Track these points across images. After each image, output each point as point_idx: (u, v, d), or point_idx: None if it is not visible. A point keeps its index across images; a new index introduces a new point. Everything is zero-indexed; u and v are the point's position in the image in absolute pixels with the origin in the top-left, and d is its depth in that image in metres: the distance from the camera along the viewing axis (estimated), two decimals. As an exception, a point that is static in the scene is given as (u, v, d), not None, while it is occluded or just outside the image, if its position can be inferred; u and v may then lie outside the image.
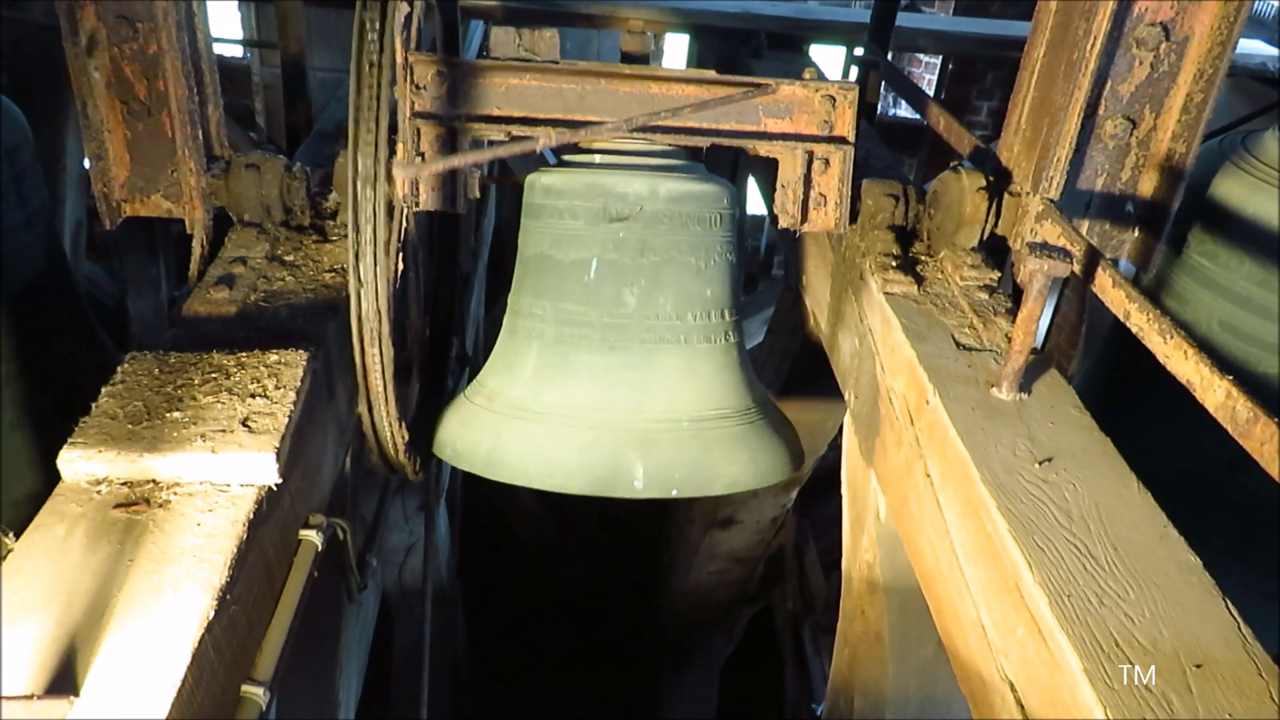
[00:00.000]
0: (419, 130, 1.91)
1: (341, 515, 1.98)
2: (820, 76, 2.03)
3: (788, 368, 3.56)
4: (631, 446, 2.01)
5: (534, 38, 1.88)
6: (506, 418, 2.09)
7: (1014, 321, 1.70)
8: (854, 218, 2.20)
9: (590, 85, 1.95)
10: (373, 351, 1.84)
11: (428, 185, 1.99)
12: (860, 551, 2.27)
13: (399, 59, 1.69)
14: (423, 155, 1.95)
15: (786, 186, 2.11)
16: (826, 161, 2.07)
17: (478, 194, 2.10)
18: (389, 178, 1.72)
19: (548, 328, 2.10)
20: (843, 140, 2.05)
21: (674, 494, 2.04)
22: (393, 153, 1.80)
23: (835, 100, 2.01)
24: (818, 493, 4.93)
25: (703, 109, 1.95)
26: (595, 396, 2.05)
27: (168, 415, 1.60)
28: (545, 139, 1.79)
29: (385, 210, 1.73)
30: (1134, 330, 1.59)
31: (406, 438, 2.04)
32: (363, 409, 1.94)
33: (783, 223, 2.14)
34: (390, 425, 1.97)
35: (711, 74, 2.00)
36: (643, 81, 1.97)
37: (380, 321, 1.80)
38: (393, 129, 1.80)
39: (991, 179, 2.11)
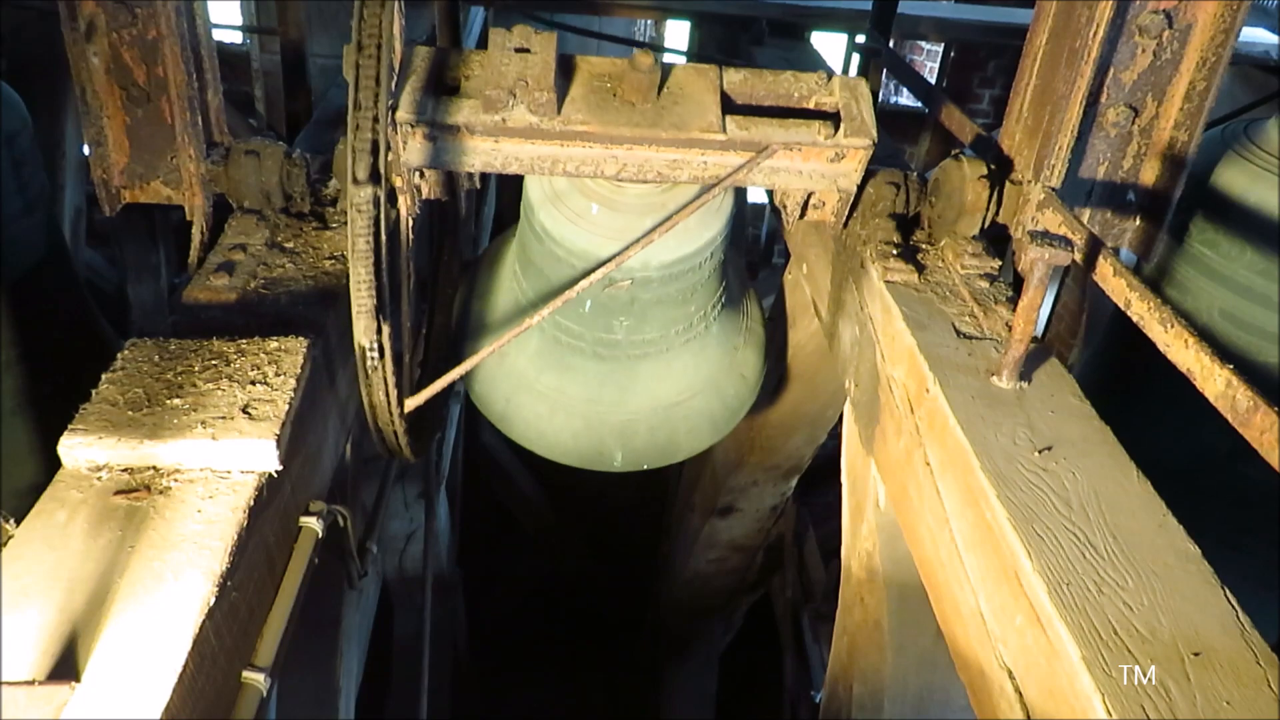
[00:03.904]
0: (415, 180, 1.91)
1: (342, 502, 1.98)
2: (829, 74, 1.98)
3: (788, 356, 3.55)
4: (613, 435, 2.39)
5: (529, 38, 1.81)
6: (515, 384, 2.37)
7: (1015, 310, 1.70)
8: (847, 224, 2.20)
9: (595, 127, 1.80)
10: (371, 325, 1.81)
11: (427, 182, 2.00)
12: (859, 540, 2.27)
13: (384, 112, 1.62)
14: (421, 172, 1.93)
15: (787, 190, 2.12)
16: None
17: (478, 185, 2.11)
18: (390, 127, 1.66)
19: (547, 326, 2.28)
20: (848, 176, 1.96)
21: (644, 467, 2.47)
22: (391, 137, 1.79)
23: (847, 151, 1.89)
24: (817, 481, 4.93)
25: (703, 200, 1.88)
26: (586, 391, 2.33)
27: (168, 402, 1.60)
28: (569, 296, 1.85)
29: (389, 232, 1.69)
30: (1135, 319, 1.59)
31: (407, 438, 2.04)
32: (361, 383, 1.92)
33: (781, 212, 2.14)
34: (389, 403, 1.96)
35: (722, 137, 1.82)
36: (651, 129, 1.80)
37: (379, 291, 1.77)
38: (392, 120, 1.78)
39: (993, 167, 2.11)
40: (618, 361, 2.29)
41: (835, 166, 1.92)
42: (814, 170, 1.93)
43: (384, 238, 1.56)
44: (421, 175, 1.94)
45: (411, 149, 1.83)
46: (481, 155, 1.85)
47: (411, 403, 1.77)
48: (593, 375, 2.32)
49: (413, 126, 1.79)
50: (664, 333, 2.26)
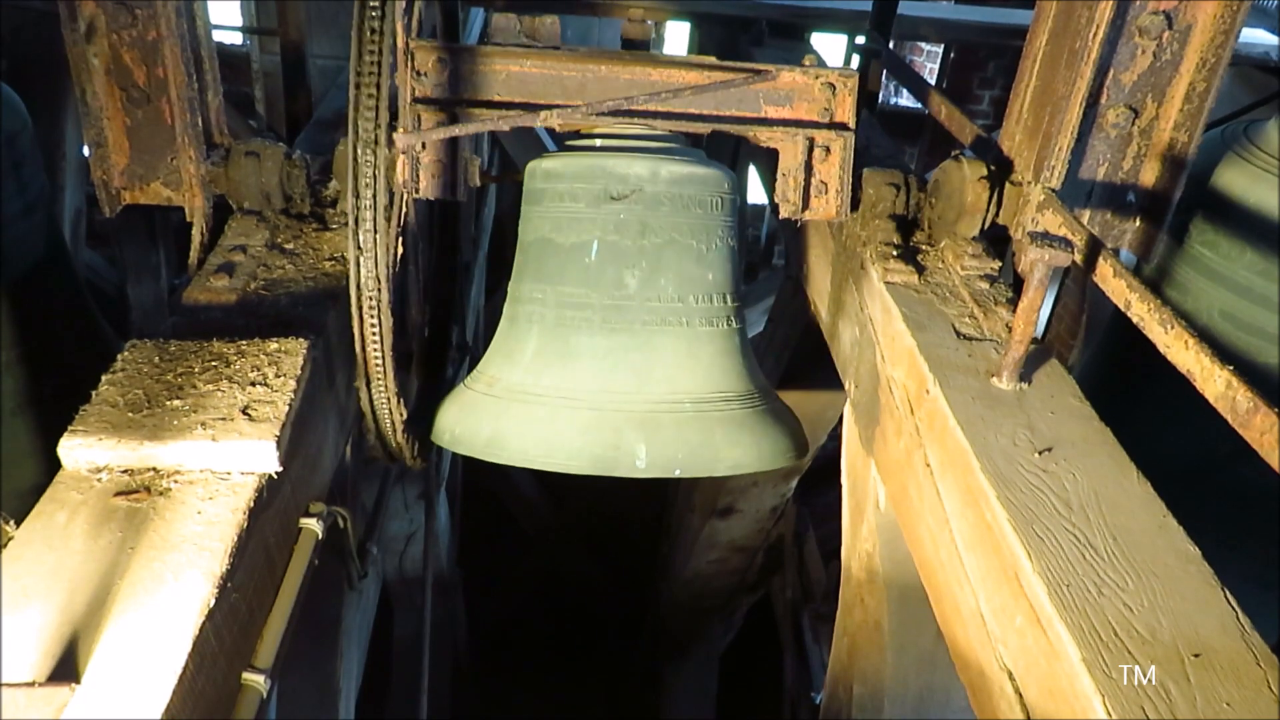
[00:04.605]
0: (420, 116, 1.91)
1: (342, 503, 1.98)
2: (821, 63, 2.03)
3: (788, 357, 3.56)
4: (633, 427, 2.00)
5: (534, 24, 1.87)
6: (507, 402, 2.09)
7: (1015, 311, 1.70)
8: (855, 206, 2.20)
9: (590, 71, 1.95)
10: (371, 323, 1.82)
11: (428, 173, 1.98)
12: (860, 540, 2.27)
13: (400, 42, 1.69)
14: (423, 143, 1.94)
15: (787, 174, 2.11)
16: (827, 149, 2.06)
17: (478, 182, 2.10)
18: (389, 142, 1.71)
19: (548, 311, 2.10)
20: (843, 127, 2.04)
21: (677, 473, 2.01)
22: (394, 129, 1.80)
23: (835, 87, 2.01)
24: (817, 482, 4.94)
25: (703, 93, 1.95)
26: (596, 379, 2.04)
27: (168, 403, 1.59)
28: (547, 117, 1.79)
29: (385, 174, 1.72)
30: (1135, 320, 1.59)
31: (405, 415, 2.03)
32: (360, 385, 1.93)
33: (784, 211, 2.13)
34: (389, 403, 1.96)
35: (711, 60, 1.99)
36: (643, 67, 1.97)
37: (379, 290, 1.78)
38: (394, 114, 1.79)
39: (993, 168, 2.11)
40: (632, 333, 2.06)
41: (829, 116, 2.04)
42: (811, 123, 2.04)
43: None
44: (423, 146, 1.94)
45: (422, 81, 1.88)
46: (488, 88, 1.92)
47: (402, 139, 1.78)
48: (603, 355, 2.05)
49: (424, 57, 1.84)
50: (681, 293, 2.08)
